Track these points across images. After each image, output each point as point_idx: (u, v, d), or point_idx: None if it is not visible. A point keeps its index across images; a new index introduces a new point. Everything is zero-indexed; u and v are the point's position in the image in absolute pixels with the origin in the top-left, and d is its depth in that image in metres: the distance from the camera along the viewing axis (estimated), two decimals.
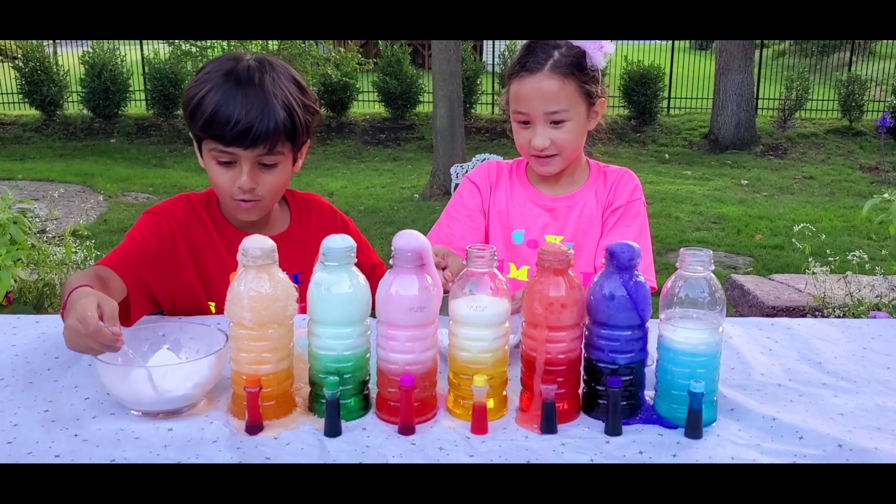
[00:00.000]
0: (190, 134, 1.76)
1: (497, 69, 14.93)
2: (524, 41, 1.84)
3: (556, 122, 1.78)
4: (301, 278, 1.87)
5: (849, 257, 3.47)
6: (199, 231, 1.83)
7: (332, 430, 1.22)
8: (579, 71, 1.75)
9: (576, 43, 1.74)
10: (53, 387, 1.38)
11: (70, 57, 14.81)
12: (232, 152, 1.66)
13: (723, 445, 1.20)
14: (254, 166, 1.69)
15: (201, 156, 1.75)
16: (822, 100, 14.57)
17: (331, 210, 2.01)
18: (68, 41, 17.31)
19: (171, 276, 1.78)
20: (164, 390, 1.26)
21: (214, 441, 1.20)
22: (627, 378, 1.25)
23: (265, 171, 1.72)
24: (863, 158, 12.29)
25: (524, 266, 1.92)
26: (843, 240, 7.08)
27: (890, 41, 16.44)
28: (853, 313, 3.36)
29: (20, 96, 14.15)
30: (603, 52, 1.75)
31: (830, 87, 14.66)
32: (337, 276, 1.24)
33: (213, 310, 1.82)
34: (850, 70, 15.41)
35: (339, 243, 1.25)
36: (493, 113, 15.00)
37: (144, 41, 15.44)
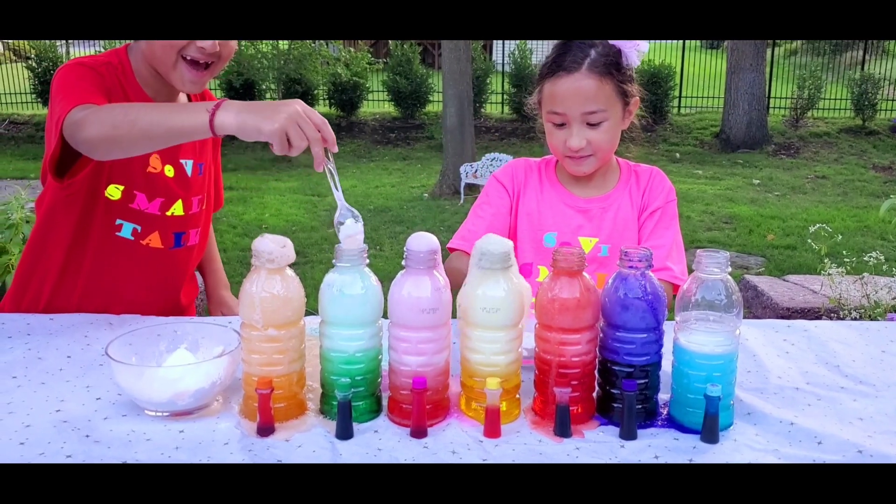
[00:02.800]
0: None
1: (507, 69, 14.92)
2: (550, 41, 1.80)
3: (592, 123, 1.72)
4: (204, 170, 1.86)
5: (865, 258, 3.44)
6: (123, 101, 1.69)
7: (344, 433, 1.21)
8: (616, 70, 1.70)
9: (611, 42, 1.71)
10: (65, 387, 1.38)
11: None
12: None
13: (740, 450, 1.18)
14: None
15: None
16: (835, 99, 14.51)
17: None
18: (81, 41, 17.39)
19: None
20: (179, 390, 1.26)
21: (226, 443, 1.20)
22: (643, 381, 1.24)
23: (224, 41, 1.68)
24: (876, 158, 12.22)
25: None
26: (857, 240, 7.04)
27: None
28: (870, 315, 3.33)
29: (33, 96, 14.25)
30: (638, 51, 1.72)
31: (843, 85, 14.60)
32: (349, 277, 1.23)
33: (117, 194, 1.73)
34: (863, 69, 15.34)
35: (351, 245, 1.24)
36: (502, 112, 14.99)
37: None
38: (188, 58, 1.65)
